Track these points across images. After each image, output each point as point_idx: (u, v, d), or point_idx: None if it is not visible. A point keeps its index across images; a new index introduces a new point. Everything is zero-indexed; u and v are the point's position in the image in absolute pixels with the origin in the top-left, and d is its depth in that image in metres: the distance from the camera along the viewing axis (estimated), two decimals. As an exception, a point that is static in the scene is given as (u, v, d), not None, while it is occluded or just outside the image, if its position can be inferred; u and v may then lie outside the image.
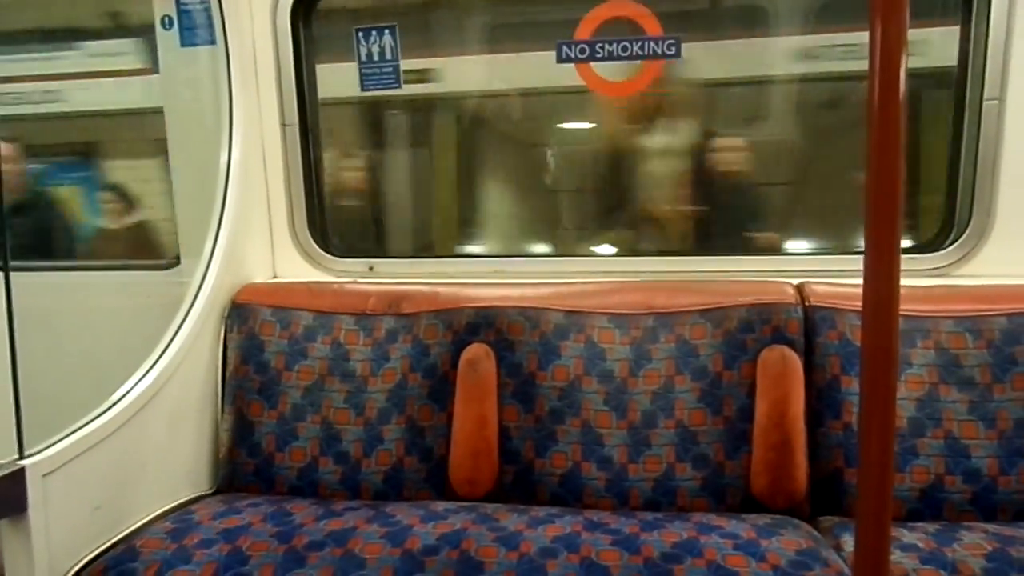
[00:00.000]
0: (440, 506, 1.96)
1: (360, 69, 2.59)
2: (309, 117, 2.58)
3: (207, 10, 2.41)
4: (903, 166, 1.19)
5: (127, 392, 1.98)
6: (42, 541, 1.67)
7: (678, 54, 2.43)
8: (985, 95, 2.20)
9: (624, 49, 2.44)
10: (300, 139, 2.55)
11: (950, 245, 2.29)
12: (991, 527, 1.77)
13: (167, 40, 2.48)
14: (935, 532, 1.75)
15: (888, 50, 1.17)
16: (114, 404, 1.93)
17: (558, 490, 2.05)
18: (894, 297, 1.21)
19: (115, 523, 1.90)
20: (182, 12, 2.44)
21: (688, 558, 1.63)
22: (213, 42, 2.42)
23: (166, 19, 2.46)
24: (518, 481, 2.08)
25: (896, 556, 1.63)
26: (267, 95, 2.52)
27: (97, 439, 1.84)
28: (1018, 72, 2.15)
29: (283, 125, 2.53)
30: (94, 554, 1.81)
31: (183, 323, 2.18)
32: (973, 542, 1.67)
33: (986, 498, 1.89)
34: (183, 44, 2.47)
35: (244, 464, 2.21)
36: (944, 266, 2.29)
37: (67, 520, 1.75)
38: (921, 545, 1.67)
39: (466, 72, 3.28)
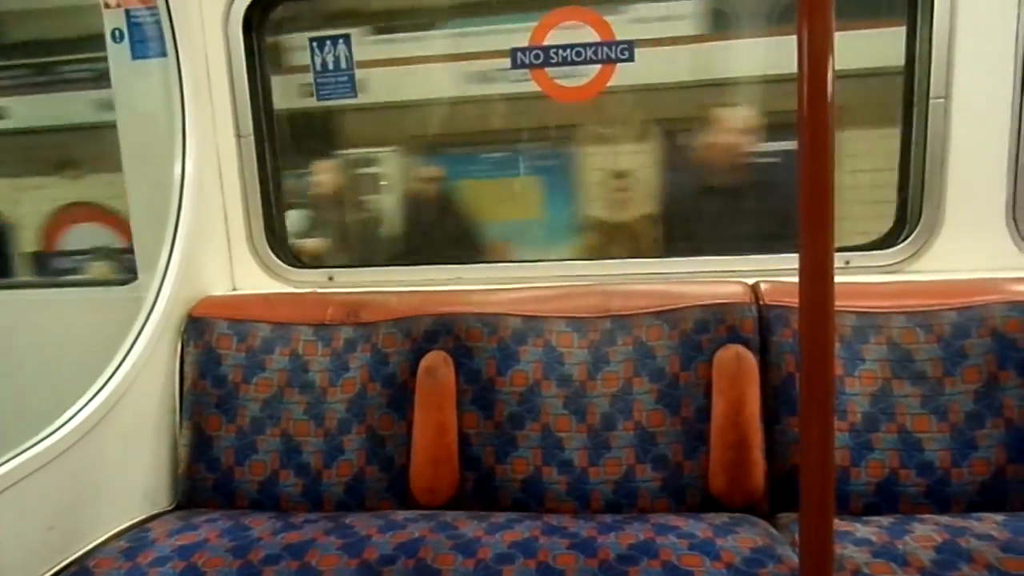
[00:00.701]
0: (400, 515, 1.95)
1: (315, 79, 2.58)
2: (265, 127, 2.57)
3: (158, 22, 2.39)
4: (833, 167, 1.22)
5: (80, 410, 1.95)
6: None
7: (631, 58, 2.45)
8: (932, 93, 2.23)
9: (578, 54, 2.45)
10: (256, 150, 2.54)
11: (902, 242, 2.32)
12: (943, 519, 1.80)
13: (118, 53, 2.46)
14: (888, 526, 1.77)
15: (815, 52, 1.19)
16: (67, 422, 1.90)
17: (519, 495, 2.05)
18: (828, 296, 1.22)
19: (69, 543, 1.87)
20: (132, 25, 2.42)
21: (644, 559, 1.64)
22: (165, 54, 2.41)
23: (116, 32, 2.43)
24: (479, 488, 2.08)
25: (849, 550, 1.64)
26: (221, 106, 2.50)
27: (49, 458, 1.81)
28: (962, 71, 2.19)
29: (238, 136, 2.51)
30: None
31: (138, 338, 2.16)
32: (924, 534, 1.70)
33: (940, 490, 1.91)
34: (134, 57, 2.44)
35: (204, 479, 2.18)
36: (897, 263, 2.32)
37: (18, 542, 1.72)
38: (874, 539, 1.69)
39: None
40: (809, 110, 1.20)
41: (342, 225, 3.56)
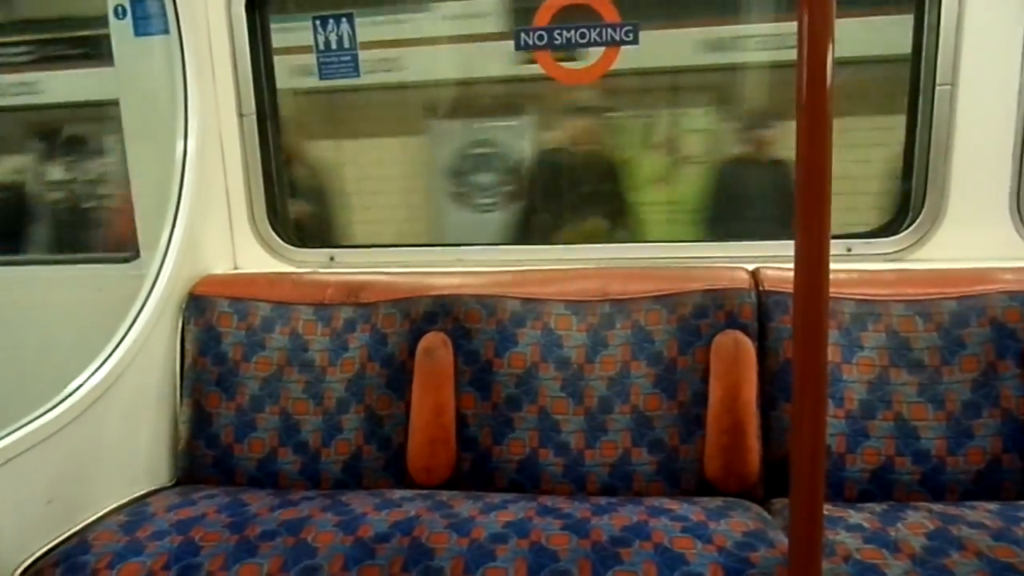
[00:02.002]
0: (396, 494, 1.96)
1: (318, 58, 2.57)
2: (268, 106, 2.56)
3: (161, -1, 2.38)
4: (831, 153, 1.21)
5: (80, 385, 1.96)
6: None
7: (636, 40, 2.43)
8: (938, 80, 2.21)
9: (582, 36, 2.44)
10: (258, 128, 2.53)
11: (905, 230, 2.31)
12: (936, 507, 1.80)
13: (121, 30, 2.45)
14: (881, 512, 1.77)
15: (815, 39, 1.18)
16: (66, 397, 1.91)
17: (516, 477, 2.07)
18: (823, 282, 1.23)
19: (69, 517, 1.89)
20: (135, 1, 2.41)
21: (636, 541, 1.64)
22: (168, 31, 2.40)
23: (119, 8, 2.43)
24: (476, 468, 2.09)
25: (841, 536, 1.65)
26: (224, 84, 2.49)
27: (49, 432, 1.83)
28: (969, 58, 2.17)
29: (240, 115, 2.51)
30: (46, 548, 1.80)
31: (138, 315, 2.17)
32: (917, 521, 1.70)
33: (935, 478, 1.92)
34: (137, 34, 2.44)
35: (203, 456, 2.20)
36: (899, 250, 2.31)
37: (17, 514, 1.74)
38: (866, 525, 1.70)
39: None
40: (808, 95, 1.19)
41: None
